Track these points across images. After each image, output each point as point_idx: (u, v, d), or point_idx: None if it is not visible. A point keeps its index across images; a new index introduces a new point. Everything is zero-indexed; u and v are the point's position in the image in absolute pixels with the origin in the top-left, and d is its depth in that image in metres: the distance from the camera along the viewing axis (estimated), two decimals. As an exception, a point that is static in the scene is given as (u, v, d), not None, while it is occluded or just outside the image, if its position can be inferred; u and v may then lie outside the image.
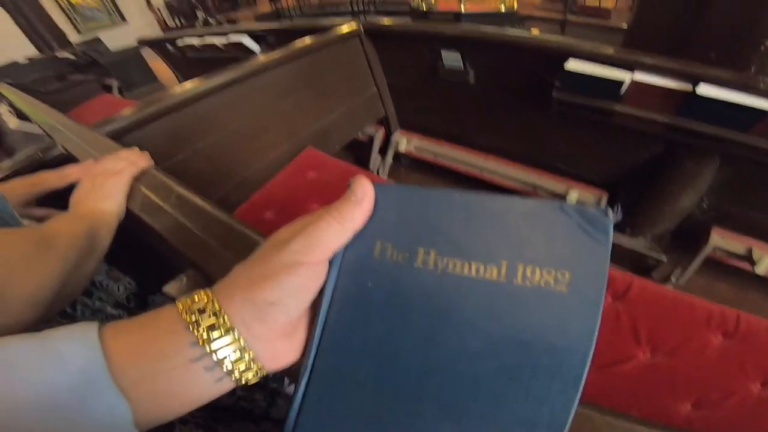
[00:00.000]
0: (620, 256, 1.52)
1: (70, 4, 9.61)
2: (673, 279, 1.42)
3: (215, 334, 0.23)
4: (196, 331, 0.23)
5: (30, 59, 5.38)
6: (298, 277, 0.24)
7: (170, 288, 0.59)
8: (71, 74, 4.29)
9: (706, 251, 1.36)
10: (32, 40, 7.40)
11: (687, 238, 1.43)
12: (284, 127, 1.44)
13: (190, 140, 1.18)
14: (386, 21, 1.61)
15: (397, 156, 2.02)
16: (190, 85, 1.16)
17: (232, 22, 6.50)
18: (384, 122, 1.96)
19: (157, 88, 5.12)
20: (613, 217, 0.24)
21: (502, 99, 1.56)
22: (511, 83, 1.48)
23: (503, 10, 4.39)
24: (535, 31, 1.46)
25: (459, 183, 1.87)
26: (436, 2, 4.63)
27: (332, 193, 1.29)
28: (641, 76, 1.12)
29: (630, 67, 1.14)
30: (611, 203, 1.54)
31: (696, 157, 1.28)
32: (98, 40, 7.80)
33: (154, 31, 9.51)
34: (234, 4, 9.73)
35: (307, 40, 1.47)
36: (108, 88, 4.14)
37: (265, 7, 7.46)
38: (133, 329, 0.24)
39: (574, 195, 1.56)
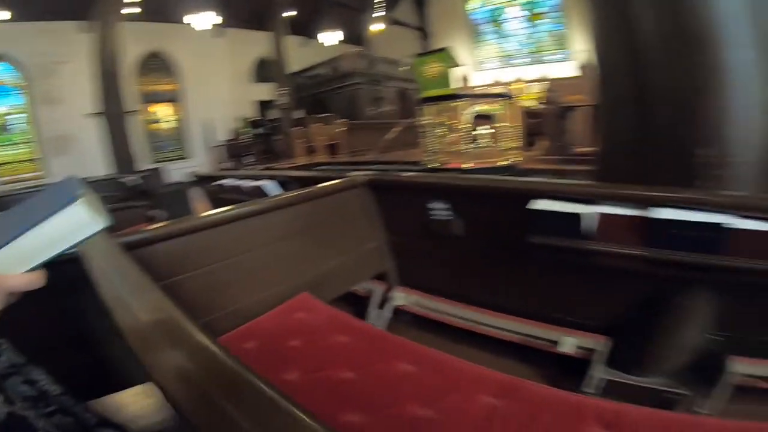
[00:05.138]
0: (639, 396, 1.37)
1: (150, 130, 11.76)
2: (698, 410, 1.27)
3: None
4: None
5: (100, 178, 6.01)
6: None
7: (125, 396, 0.58)
8: (126, 199, 4.77)
9: (727, 380, 1.27)
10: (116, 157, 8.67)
11: (709, 369, 1.32)
12: (283, 268, 1.53)
13: (193, 264, 1.28)
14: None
15: (398, 311, 2.01)
16: (201, 215, 1.34)
17: (271, 170, 7.45)
18: (384, 277, 2.00)
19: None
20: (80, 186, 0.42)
21: (490, 250, 1.61)
22: (495, 233, 1.55)
23: (505, 164, 4.82)
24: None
25: (458, 338, 1.80)
26: (448, 161, 5.08)
27: (318, 337, 1.28)
28: (603, 208, 1.18)
29: (591, 201, 1.21)
30: (616, 348, 1.45)
31: (684, 290, 1.26)
32: (157, 171, 8.80)
33: (211, 170, 11.01)
34: (276, 155, 11.51)
35: (315, 186, 1.67)
36: (150, 219, 4.34)
37: (301, 160, 8.63)
38: None
39: (569, 342, 1.49)
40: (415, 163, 5.54)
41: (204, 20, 10.18)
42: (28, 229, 0.39)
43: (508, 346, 1.65)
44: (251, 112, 13.50)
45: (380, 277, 2.01)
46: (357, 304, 2.02)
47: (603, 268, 1.34)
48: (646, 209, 1.13)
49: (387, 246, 1.96)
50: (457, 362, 1.10)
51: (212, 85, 12.62)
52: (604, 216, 1.20)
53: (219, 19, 10.83)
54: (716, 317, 1.30)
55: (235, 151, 12.13)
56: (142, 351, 0.55)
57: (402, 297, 1.96)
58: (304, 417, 0.41)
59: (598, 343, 1.47)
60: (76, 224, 0.40)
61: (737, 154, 1.24)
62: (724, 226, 1.05)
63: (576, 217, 1.24)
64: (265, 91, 13.37)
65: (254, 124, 12.85)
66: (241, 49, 13.42)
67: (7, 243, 0.39)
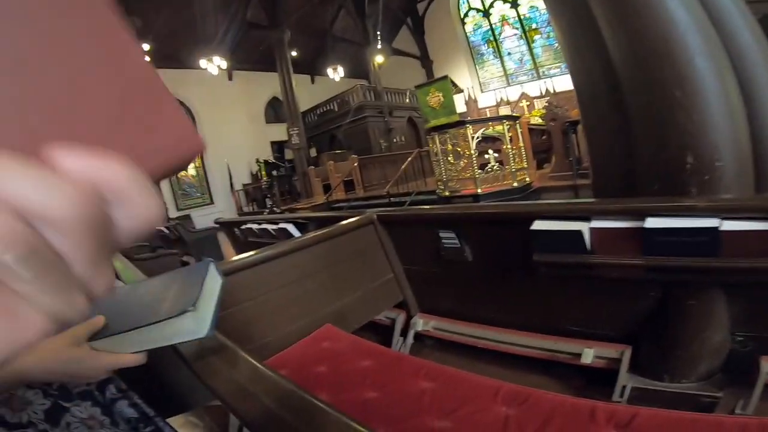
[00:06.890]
0: (673, 401, 1.37)
1: (177, 177, 12.03)
2: (737, 411, 1.26)
3: None
4: None
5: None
6: None
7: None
8: (160, 246, 5.06)
9: (762, 380, 1.25)
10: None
11: (741, 370, 1.32)
12: (307, 303, 1.67)
13: (228, 303, 1.43)
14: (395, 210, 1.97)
15: (420, 336, 2.09)
16: (237, 258, 1.50)
17: (293, 211, 7.76)
18: (404, 305, 2.11)
19: (223, 269, 5.76)
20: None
21: (500, 271, 1.69)
22: (503, 255, 1.62)
23: (517, 185, 4.89)
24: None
25: (480, 358, 1.86)
26: (461, 188, 5.21)
27: (343, 362, 1.37)
28: (597, 223, 1.23)
29: (586, 217, 1.26)
30: (636, 356, 1.47)
31: (695, 293, 1.27)
32: (189, 218, 9.02)
33: (233, 214, 10.91)
34: (296, 196, 11.82)
35: (332, 226, 1.82)
36: (185, 264, 4.65)
37: (320, 198, 8.92)
38: None
39: (590, 353, 1.50)
40: (430, 192, 5.54)
41: (216, 64, 10.54)
42: (151, 323, 0.41)
43: (531, 361, 1.68)
44: (268, 153, 13.74)
45: (401, 305, 2.11)
46: (382, 333, 2.13)
47: (608, 279, 1.39)
48: (638, 220, 1.20)
49: (404, 276, 2.07)
50: (473, 377, 1.16)
51: (228, 129, 12.80)
52: (600, 230, 1.28)
53: (229, 63, 11.15)
54: (740, 318, 1.29)
55: (254, 194, 12.51)
56: (208, 376, 0.67)
57: (422, 323, 2.05)
58: (350, 422, 0.51)
59: (619, 352, 1.49)
60: (187, 330, 0.40)
61: (719, 159, 1.30)
62: (715, 228, 1.10)
63: (578, 233, 1.30)
64: (280, 132, 13.48)
65: (271, 165, 13.11)
66: (252, 90, 13.62)
67: (133, 329, 0.42)
